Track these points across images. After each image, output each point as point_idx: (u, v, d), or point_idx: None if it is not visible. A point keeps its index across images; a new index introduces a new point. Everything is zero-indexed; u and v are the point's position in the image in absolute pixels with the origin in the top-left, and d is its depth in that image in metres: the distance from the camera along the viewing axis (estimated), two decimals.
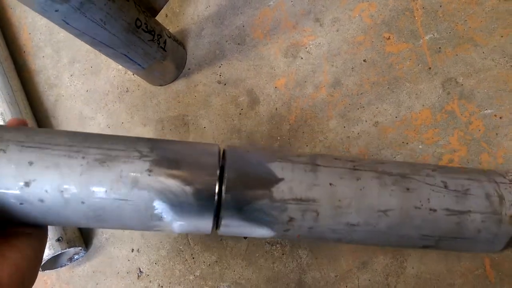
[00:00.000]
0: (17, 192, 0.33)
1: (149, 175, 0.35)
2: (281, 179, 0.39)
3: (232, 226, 0.40)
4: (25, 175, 0.33)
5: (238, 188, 0.38)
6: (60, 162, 0.34)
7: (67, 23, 0.54)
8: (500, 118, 0.59)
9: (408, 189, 0.42)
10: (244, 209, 0.39)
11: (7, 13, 1.07)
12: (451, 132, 0.61)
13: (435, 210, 0.42)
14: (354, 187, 0.41)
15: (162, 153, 0.37)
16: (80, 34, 0.58)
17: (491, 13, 0.63)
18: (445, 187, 0.43)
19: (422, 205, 0.42)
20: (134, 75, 0.86)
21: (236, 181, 0.38)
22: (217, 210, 0.38)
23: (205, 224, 0.39)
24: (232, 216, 0.39)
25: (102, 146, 0.35)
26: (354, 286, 0.60)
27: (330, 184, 0.40)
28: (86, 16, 0.53)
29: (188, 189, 0.36)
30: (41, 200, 0.33)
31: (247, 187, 0.38)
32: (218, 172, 0.37)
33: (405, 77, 0.65)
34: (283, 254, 0.66)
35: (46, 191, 0.33)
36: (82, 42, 0.96)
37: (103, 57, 0.92)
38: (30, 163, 0.33)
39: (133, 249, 0.78)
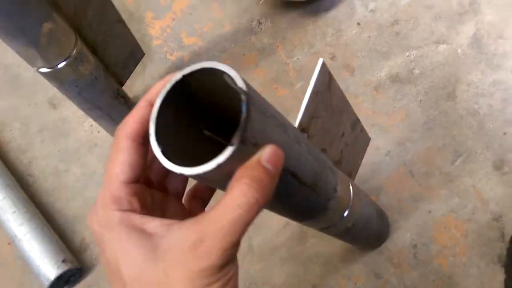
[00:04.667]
0: None
1: None
2: None
3: None
4: None
5: None
6: None
7: (80, 95, 0.84)
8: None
9: None
10: None
11: None
12: None
13: None
14: None
15: None
16: (83, 102, 0.87)
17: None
18: None
19: None
20: (100, 132, 1.14)
21: None
22: None
23: None
24: None
25: None
26: (296, 225, 0.95)
27: None
28: (95, 88, 0.84)
29: None
30: None
31: None
32: None
33: (289, 109, 1.08)
34: None
35: None
36: (48, 114, 1.21)
37: (71, 122, 1.18)
38: None
39: None
